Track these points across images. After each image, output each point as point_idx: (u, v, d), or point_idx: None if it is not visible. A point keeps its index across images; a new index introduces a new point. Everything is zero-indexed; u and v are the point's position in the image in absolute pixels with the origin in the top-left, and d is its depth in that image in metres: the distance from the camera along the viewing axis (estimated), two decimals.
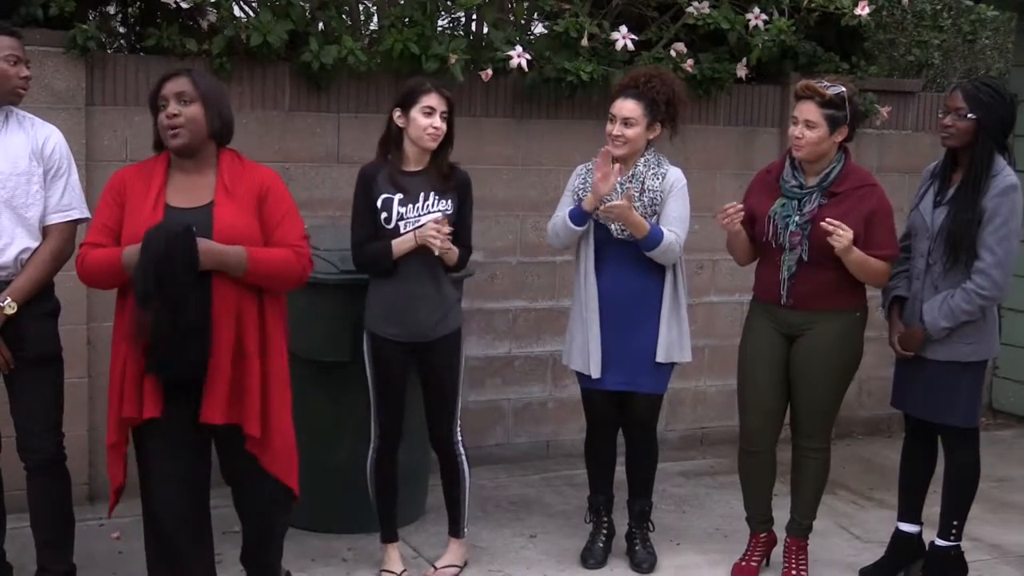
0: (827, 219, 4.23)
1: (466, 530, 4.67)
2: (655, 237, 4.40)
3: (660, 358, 4.53)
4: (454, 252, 4.30)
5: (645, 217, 4.42)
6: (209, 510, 3.79)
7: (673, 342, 4.55)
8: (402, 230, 4.24)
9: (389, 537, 4.57)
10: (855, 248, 4.25)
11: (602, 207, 4.39)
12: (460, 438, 4.51)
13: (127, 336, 3.54)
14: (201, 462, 3.73)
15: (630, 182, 4.47)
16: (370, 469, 4.49)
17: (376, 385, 4.41)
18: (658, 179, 4.47)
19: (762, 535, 4.72)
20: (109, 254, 3.56)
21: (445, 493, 4.60)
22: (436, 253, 4.20)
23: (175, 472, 3.65)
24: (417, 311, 4.30)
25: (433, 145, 4.27)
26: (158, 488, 3.66)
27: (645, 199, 4.45)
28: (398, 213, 4.25)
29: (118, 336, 3.63)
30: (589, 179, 4.54)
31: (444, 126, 4.26)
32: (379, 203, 4.26)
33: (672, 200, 4.48)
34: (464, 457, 4.53)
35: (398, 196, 4.26)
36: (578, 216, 4.48)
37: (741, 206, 4.37)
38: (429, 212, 4.25)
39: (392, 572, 4.52)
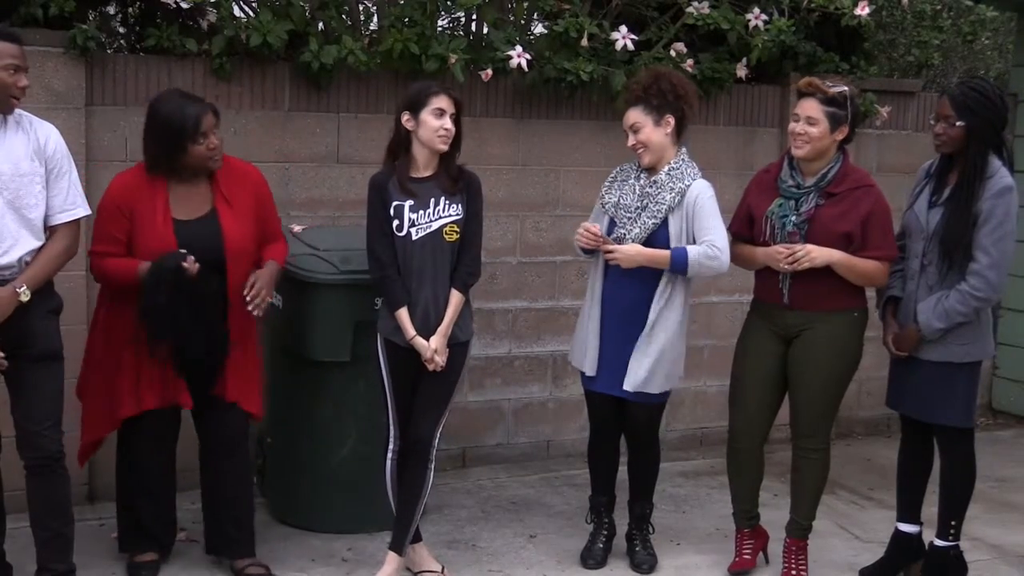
0: (779, 249, 4.31)
1: (409, 549, 4.48)
2: (679, 261, 4.38)
3: (627, 386, 4.49)
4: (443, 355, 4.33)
5: (647, 230, 4.42)
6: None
7: (651, 371, 4.48)
8: (414, 236, 4.25)
9: (415, 537, 4.54)
10: (835, 253, 4.29)
11: (608, 256, 4.42)
12: (436, 445, 4.42)
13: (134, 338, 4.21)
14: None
15: (651, 187, 4.47)
16: (389, 473, 4.46)
17: (394, 391, 4.39)
18: (672, 193, 4.43)
19: (747, 531, 4.74)
20: (127, 266, 4.16)
21: (400, 500, 4.42)
22: (430, 368, 4.29)
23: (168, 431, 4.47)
24: (429, 321, 4.30)
25: (444, 147, 4.27)
26: (151, 451, 4.43)
27: (647, 217, 4.42)
28: (409, 219, 4.26)
29: (121, 336, 4.25)
30: (618, 178, 4.59)
31: (454, 128, 4.27)
32: (391, 210, 4.26)
33: (698, 217, 4.43)
34: (433, 468, 4.42)
35: (408, 203, 4.26)
36: (583, 250, 4.56)
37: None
38: (440, 217, 4.27)
39: (434, 571, 4.52)
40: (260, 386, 4.52)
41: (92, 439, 4.43)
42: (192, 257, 4.08)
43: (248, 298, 4.19)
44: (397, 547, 4.42)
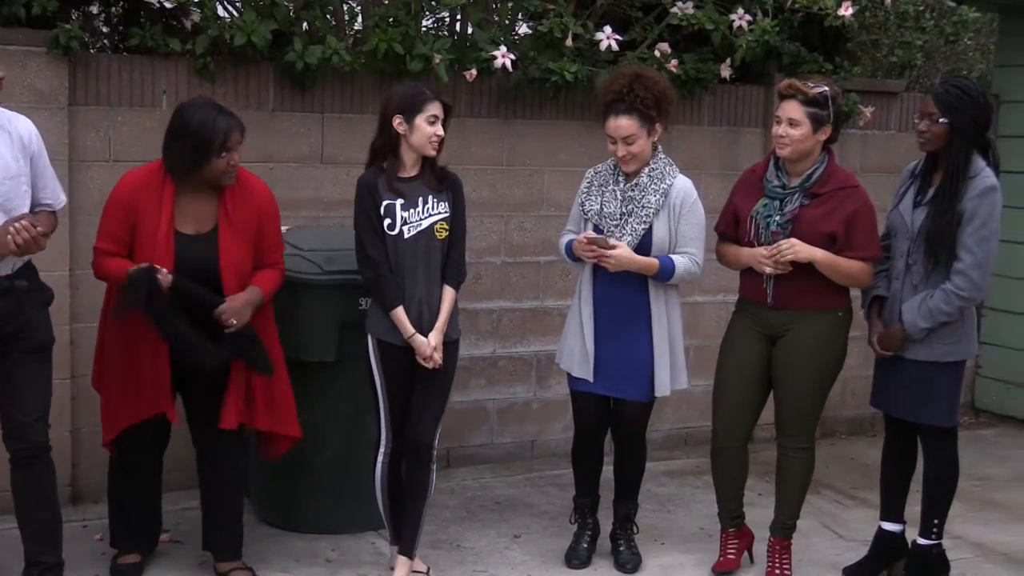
0: (762, 252, 4.34)
1: (394, 550, 4.49)
2: (667, 271, 4.42)
3: (659, 392, 4.56)
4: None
5: (638, 236, 4.42)
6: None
7: (672, 371, 4.60)
8: (406, 235, 4.24)
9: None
10: (819, 251, 4.31)
11: (603, 259, 4.41)
12: (436, 445, 4.42)
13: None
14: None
15: (633, 191, 4.47)
16: (380, 475, 4.44)
17: (387, 392, 4.37)
18: (656, 195, 4.44)
19: (732, 530, 4.75)
20: (120, 268, 4.09)
21: (403, 507, 4.41)
22: (429, 366, 4.29)
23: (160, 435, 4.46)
24: (423, 318, 4.29)
25: (435, 153, 4.28)
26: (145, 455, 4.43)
27: (635, 223, 4.43)
28: (401, 218, 4.25)
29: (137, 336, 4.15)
30: (595, 182, 4.57)
31: (443, 133, 4.29)
32: (382, 209, 4.26)
33: (684, 220, 4.46)
34: (435, 468, 4.42)
35: (399, 201, 4.26)
36: (571, 254, 4.58)
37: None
38: (430, 215, 4.27)
39: (420, 572, 4.50)
40: (291, 405, 4.42)
41: (111, 437, 4.36)
42: (165, 270, 4.02)
43: (222, 322, 4.12)
44: (407, 550, 4.41)
